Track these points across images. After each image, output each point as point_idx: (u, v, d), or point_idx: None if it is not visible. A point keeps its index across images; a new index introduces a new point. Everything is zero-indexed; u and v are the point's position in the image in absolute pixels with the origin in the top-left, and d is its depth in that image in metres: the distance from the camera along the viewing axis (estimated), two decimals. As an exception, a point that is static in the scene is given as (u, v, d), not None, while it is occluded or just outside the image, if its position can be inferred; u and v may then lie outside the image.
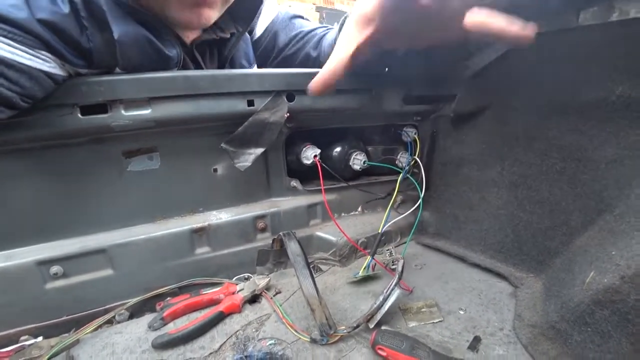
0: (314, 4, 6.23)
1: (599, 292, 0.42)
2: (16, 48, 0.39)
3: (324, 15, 6.33)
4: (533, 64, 0.61)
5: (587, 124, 0.57)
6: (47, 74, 0.43)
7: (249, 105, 0.56)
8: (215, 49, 0.64)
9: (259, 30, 0.74)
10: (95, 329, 0.56)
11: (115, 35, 0.47)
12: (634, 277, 0.38)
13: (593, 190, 0.56)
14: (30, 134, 0.48)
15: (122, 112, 0.50)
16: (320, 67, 0.50)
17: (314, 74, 0.50)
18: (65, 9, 0.43)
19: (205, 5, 0.55)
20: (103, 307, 0.59)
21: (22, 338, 0.54)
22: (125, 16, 0.48)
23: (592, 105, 0.56)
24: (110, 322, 0.58)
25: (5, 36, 0.38)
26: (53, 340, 0.52)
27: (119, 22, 0.47)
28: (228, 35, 0.59)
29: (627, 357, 0.39)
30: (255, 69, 0.60)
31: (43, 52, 0.42)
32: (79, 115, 0.49)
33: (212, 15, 0.57)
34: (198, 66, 0.61)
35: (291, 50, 0.74)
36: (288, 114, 0.58)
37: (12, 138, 0.48)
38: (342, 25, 0.57)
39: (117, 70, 0.51)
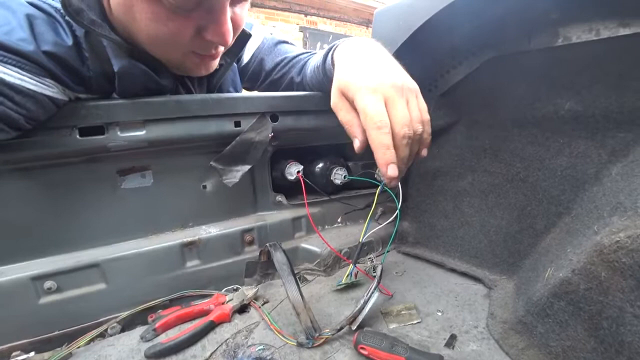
0: (298, 24, 6.41)
1: (556, 285, 0.46)
2: (24, 75, 0.43)
3: (307, 35, 6.49)
4: (494, 83, 0.68)
5: (543, 135, 0.63)
6: (50, 99, 0.47)
7: (236, 126, 0.61)
8: (204, 78, 0.68)
9: (246, 57, 0.80)
10: (88, 343, 0.57)
11: (115, 68, 0.51)
12: (582, 269, 0.43)
13: (552, 195, 0.62)
14: (31, 153, 0.51)
15: (118, 133, 0.54)
16: (304, 91, 0.55)
17: (295, 97, 0.55)
18: (69, 41, 0.47)
19: (213, 59, 0.60)
20: (96, 321, 0.60)
21: (14, 354, 0.55)
22: (124, 53, 0.52)
23: (546, 119, 0.62)
24: (102, 335, 0.60)
25: (14, 65, 0.42)
26: (46, 355, 0.54)
27: (118, 57, 0.51)
28: (217, 67, 0.64)
29: (582, 342, 0.44)
30: (241, 94, 0.65)
31: (47, 79, 0.46)
32: (78, 136, 0.52)
33: (216, 64, 0.62)
34: (189, 92, 0.65)
35: (277, 75, 0.79)
36: (272, 134, 0.62)
37: (14, 157, 0.51)
38: (326, 55, 0.62)
39: (114, 95, 0.55)
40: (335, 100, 0.50)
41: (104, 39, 0.50)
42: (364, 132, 0.47)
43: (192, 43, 0.53)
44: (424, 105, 0.51)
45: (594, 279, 0.41)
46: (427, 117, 0.51)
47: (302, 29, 6.42)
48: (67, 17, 0.49)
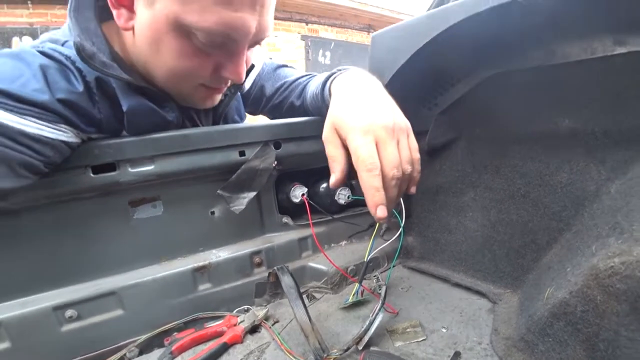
0: (299, 33, 6.44)
1: (555, 305, 0.48)
2: (41, 124, 0.46)
3: (309, 43, 6.52)
4: (493, 99, 0.69)
5: (543, 152, 0.64)
6: (66, 143, 0.50)
7: (240, 156, 0.63)
8: (210, 109, 0.72)
9: (247, 84, 0.82)
10: (108, 367, 0.61)
11: (124, 107, 0.54)
12: (579, 292, 0.44)
13: (554, 211, 0.62)
14: (48, 192, 0.54)
15: (129, 169, 0.57)
16: (304, 114, 0.58)
17: (296, 124, 0.57)
18: (80, 87, 0.51)
19: (220, 92, 0.63)
20: (115, 345, 0.63)
21: (41, 380, 0.59)
22: (132, 91, 0.56)
23: (545, 135, 0.63)
24: (122, 359, 0.63)
25: (32, 116, 0.45)
26: (69, 380, 0.57)
27: (126, 96, 0.54)
28: (222, 97, 0.67)
29: (581, 362, 0.45)
30: (244, 124, 0.67)
31: (62, 125, 0.49)
32: (91, 174, 0.55)
33: (220, 96, 0.66)
34: (194, 124, 0.68)
35: (278, 100, 0.82)
36: (276, 162, 0.65)
37: (32, 197, 0.54)
38: (325, 83, 0.64)
39: (124, 132, 0.58)
40: (327, 134, 0.53)
41: (113, 79, 0.53)
42: (343, 171, 0.51)
43: (207, 79, 0.57)
44: (414, 144, 0.53)
45: (590, 302, 0.42)
46: (417, 156, 0.53)
47: (304, 38, 6.44)
48: (77, 64, 0.52)
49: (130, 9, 0.53)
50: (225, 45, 0.53)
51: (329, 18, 6.71)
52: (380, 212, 0.47)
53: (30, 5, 4.58)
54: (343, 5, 6.49)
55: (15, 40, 4.60)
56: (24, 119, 0.44)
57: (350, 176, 0.53)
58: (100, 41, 0.54)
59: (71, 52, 0.52)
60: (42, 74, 0.48)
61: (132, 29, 0.54)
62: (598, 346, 0.42)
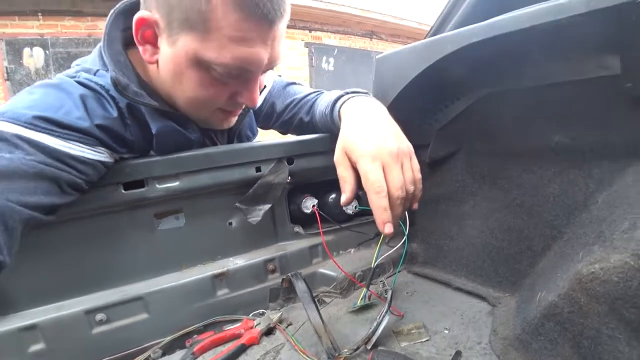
0: (303, 40, 6.52)
1: (545, 307, 0.52)
2: (83, 147, 0.53)
3: (313, 50, 6.59)
4: (490, 116, 0.74)
5: (536, 165, 0.69)
6: (103, 163, 0.56)
7: (257, 171, 0.69)
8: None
9: (259, 101, 0.88)
10: (134, 367, 0.65)
11: (153, 130, 0.60)
12: (565, 295, 0.48)
13: (547, 220, 0.67)
14: (84, 207, 0.60)
15: (156, 185, 0.63)
16: (313, 130, 0.62)
17: (307, 141, 0.63)
18: (114, 113, 0.57)
19: (235, 115, 0.69)
20: (140, 347, 0.68)
21: (73, 378, 0.64)
22: (159, 115, 0.62)
23: (538, 149, 0.68)
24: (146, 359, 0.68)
25: (75, 140, 0.52)
26: (100, 379, 0.62)
27: (154, 120, 0.61)
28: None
29: (569, 358, 0.49)
30: (260, 142, 0.73)
31: (100, 148, 0.55)
32: (122, 190, 0.61)
33: (236, 118, 0.71)
34: (213, 142, 0.74)
35: (288, 116, 0.88)
36: (290, 177, 0.70)
37: (71, 212, 0.59)
38: (334, 105, 0.70)
39: (152, 152, 0.64)
40: (338, 157, 0.59)
41: (143, 106, 0.59)
42: (353, 190, 0.57)
43: (224, 104, 0.63)
44: (416, 165, 0.59)
45: (575, 304, 0.47)
46: (418, 176, 0.59)
47: (307, 45, 6.51)
48: (110, 92, 0.58)
49: (155, 45, 0.59)
50: (241, 75, 0.59)
51: (332, 25, 6.78)
52: (388, 228, 0.53)
53: (40, 17, 4.69)
54: (346, 12, 6.57)
55: (26, 51, 4.72)
56: (69, 143, 0.51)
57: (358, 190, 0.59)
58: (129, 72, 0.61)
59: (104, 81, 0.59)
60: (82, 103, 0.54)
61: (157, 62, 0.60)
62: (583, 343, 0.47)
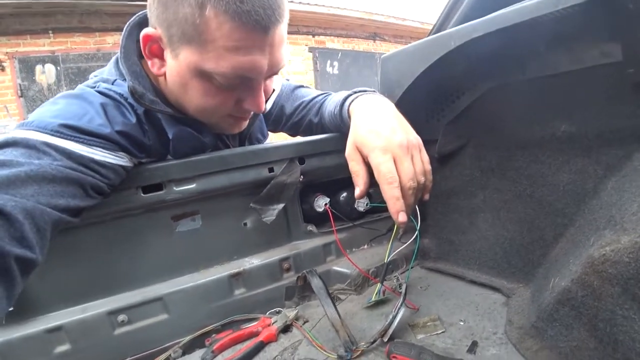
0: (307, 45, 6.58)
1: (560, 293, 0.53)
2: (105, 152, 0.55)
3: (317, 54, 6.64)
4: (496, 108, 0.75)
5: (544, 154, 0.69)
6: (124, 167, 0.59)
7: (270, 172, 0.71)
8: None
9: (268, 105, 0.90)
10: (156, 366, 0.67)
11: (170, 135, 0.63)
12: (579, 279, 0.49)
13: (557, 209, 0.68)
14: (105, 211, 0.62)
15: (174, 188, 0.65)
16: (322, 130, 0.64)
17: (318, 141, 0.64)
18: (133, 119, 0.59)
19: (245, 120, 0.71)
20: (161, 347, 0.70)
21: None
22: (174, 121, 0.65)
23: (545, 139, 0.68)
24: (167, 359, 0.70)
25: (98, 146, 0.54)
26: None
27: (170, 126, 0.63)
28: None
29: (586, 342, 0.50)
30: (272, 143, 0.75)
31: (120, 153, 0.58)
32: (141, 194, 0.63)
33: (247, 122, 0.74)
34: (225, 145, 0.77)
35: (297, 118, 0.90)
36: (302, 177, 0.72)
37: (93, 215, 0.62)
38: (343, 104, 0.71)
39: (168, 157, 0.66)
40: (350, 152, 0.60)
41: (159, 113, 0.62)
42: (365, 183, 0.58)
43: (231, 110, 0.65)
44: (426, 157, 0.60)
45: (588, 287, 0.48)
46: (428, 167, 0.60)
47: (311, 49, 6.57)
48: (128, 100, 0.61)
49: (161, 58, 0.62)
50: (243, 83, 0.61)
51: (335, 29, 6.84)
52: (402, 217, 0.55)
53: (51, 35, 4.82)
54: (348, 16, 6.63)
55: (38, 67, 4.85)
56: (93, 148, 0.53)
57: (370, 186, 0.60)
58: (145, 81, 0.63)
59: (122, 90, 0.62)
60: (103, 110, 0.57)
61: (164, 74, 0.63)
62: (598, 326, 0.47)
